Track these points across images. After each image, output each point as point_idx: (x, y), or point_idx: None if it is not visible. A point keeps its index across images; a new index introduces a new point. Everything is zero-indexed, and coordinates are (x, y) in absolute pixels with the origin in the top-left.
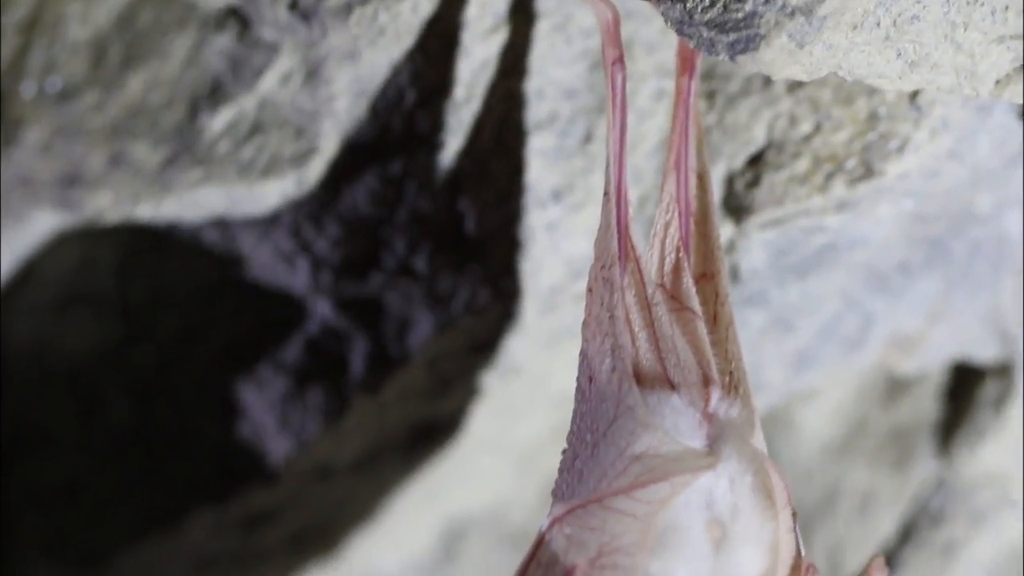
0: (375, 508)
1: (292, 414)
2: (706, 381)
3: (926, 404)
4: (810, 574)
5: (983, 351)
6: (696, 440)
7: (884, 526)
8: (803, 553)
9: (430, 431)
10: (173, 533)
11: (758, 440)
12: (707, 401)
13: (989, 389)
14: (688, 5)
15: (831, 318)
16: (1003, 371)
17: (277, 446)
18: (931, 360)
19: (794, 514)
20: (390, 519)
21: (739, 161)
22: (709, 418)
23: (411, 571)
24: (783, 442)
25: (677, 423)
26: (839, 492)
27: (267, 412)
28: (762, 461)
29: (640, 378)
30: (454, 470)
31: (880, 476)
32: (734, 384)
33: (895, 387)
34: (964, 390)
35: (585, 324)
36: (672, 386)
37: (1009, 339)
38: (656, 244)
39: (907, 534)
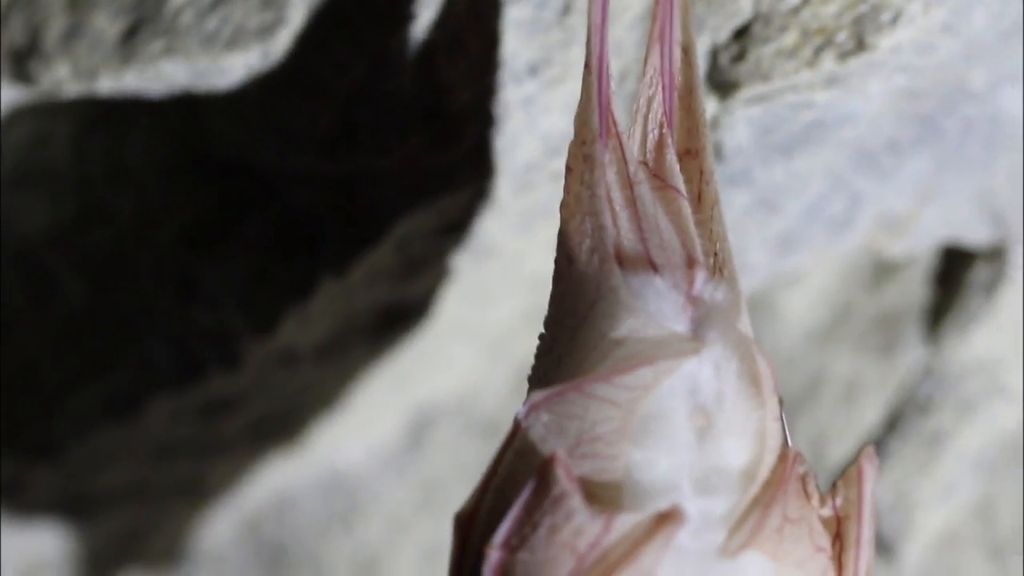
0: (340, 395)
1: (255, 297)
2: (690, 263)
3: (914, 288)
4: (797, 463)
5: (974, 233)
6: (680, 324)
7: (869, 415)
8: (789, 442)
9: (398, 315)
10: (130, 421)
11: (744, 324)
12: (691, 283)
13: (980, 273)
14: None
15: (817, 198)
16: (995, 254)
17: (239, 330)
18: (920, 243)
19: (781, 402)
20: (356, 407)
21: (724, 34)
22: (694, 301)
23: (377, 460)
24: (765, 328)
25: (660, 306)
26: (823, 379)
27: (229, 295)
28: (749, 346)
29: (621, 260)
30: (423, 356)
31: (866, 363)
32: (719, 266)
33: (882, 271)
34: (954, 274)
35: (564, 203)
36: (655, 268)
37: (1001, 221)
38: (639, 120)
39: (893, 423)
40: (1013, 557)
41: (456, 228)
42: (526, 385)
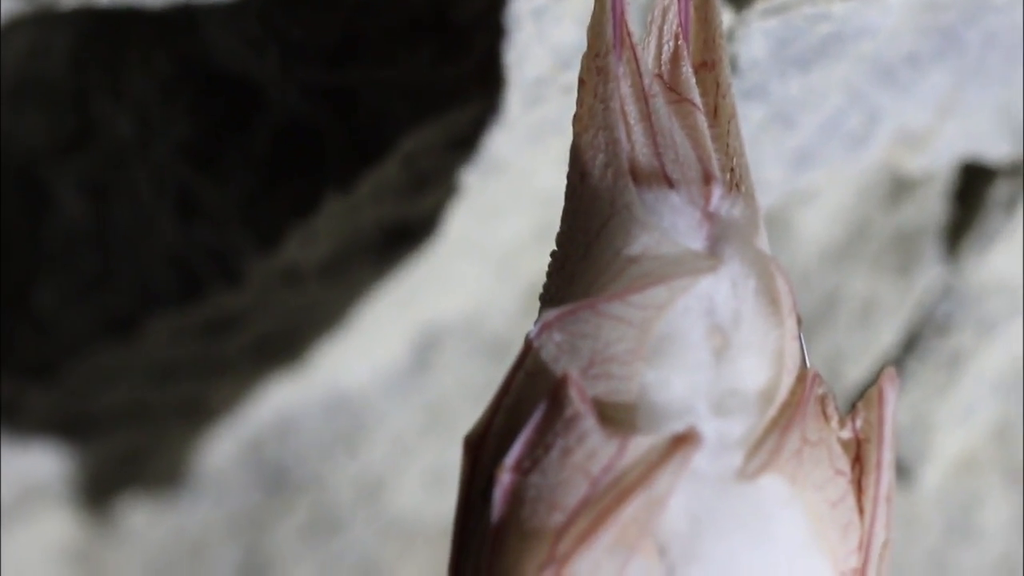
0: (345, 315)
1: (257, 213)
2: (707, 178)
3: (933, 206)
4: (816, 384)
5: (995, 149)
6: (696, 241)
7: (886, 335)
8: (808, 362)
9: (405, 232)
10: (129, 341)
11: (762, 242)
12: (708, 199)
13: (1000, 189)
14: None
15: (834, 113)
16: (1016, 171)
17: (241, 248)
18: (939, 159)
19: (799, 321)
20: (361, 326)
21: None
22: (710, 217)
23: (382, 382)
24: (780, 246)
25: (676, 223)
26: (838, 299)
27: (230, 211)
28: (767, 264)
29: (636, 175)
30: (429, 274)
31: (882, 282)
32: (736, 181)
33: (900, 187)
34: (974, 191)
35: (576, 117)
36: (670, 183)
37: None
38: (653, 31)
39: (911, 344)
40: None
41: (464, 143)
42: (535, 304)
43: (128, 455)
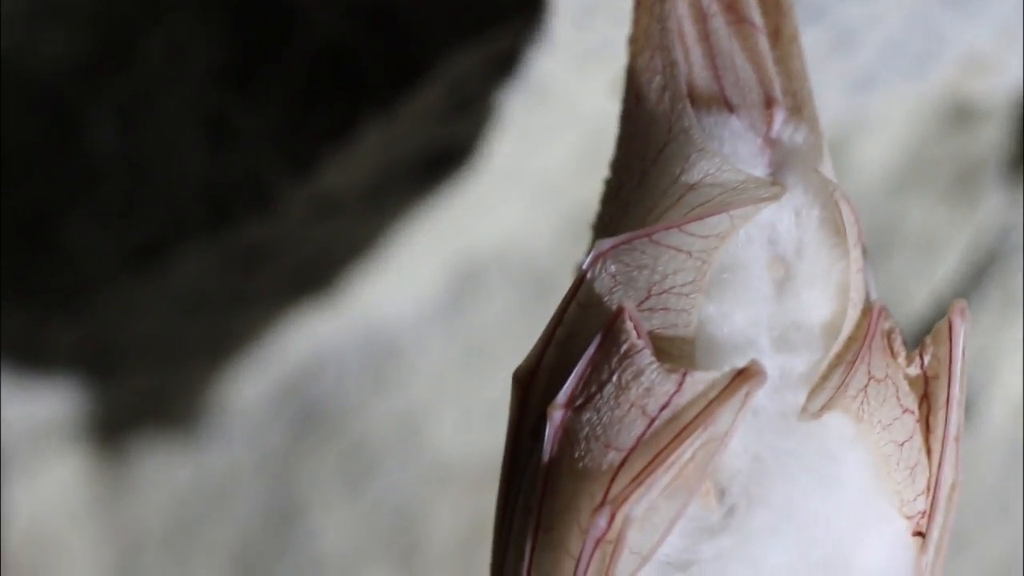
0: (381, 245)
1: (291, 139)
2: (768, 102)
3: (996, 136)
4: (882, 318)
5: None
6: (758, 168)
7: (947, 268)
8: (874, 295)
9: (444, 159)
10: (157, 272)
11: (826, 169)
12: (769, 124)
13: None
14: None
15: (896, 35)
16: None
17: (275, 175)
18: (1004, 86)
19: (864, 252)
20: (398, 257)
21: None
22: (772, 143)
23: (419, 315)
24: (838, 175)
25: (736, 148)
26: (898, 230)
27: (263, 137)
28: (832, 192)
29: (694, 98)
30: (469, 203)
31: (943, 214)
32: (799, 106)
33: (963, 116)
34: None
35: (632, 38)
36: (730, 107)
37: None
38: None
39: (973, 278)
40: None
41: (507, 67)
42: (580, 235)
43: (152, 392)
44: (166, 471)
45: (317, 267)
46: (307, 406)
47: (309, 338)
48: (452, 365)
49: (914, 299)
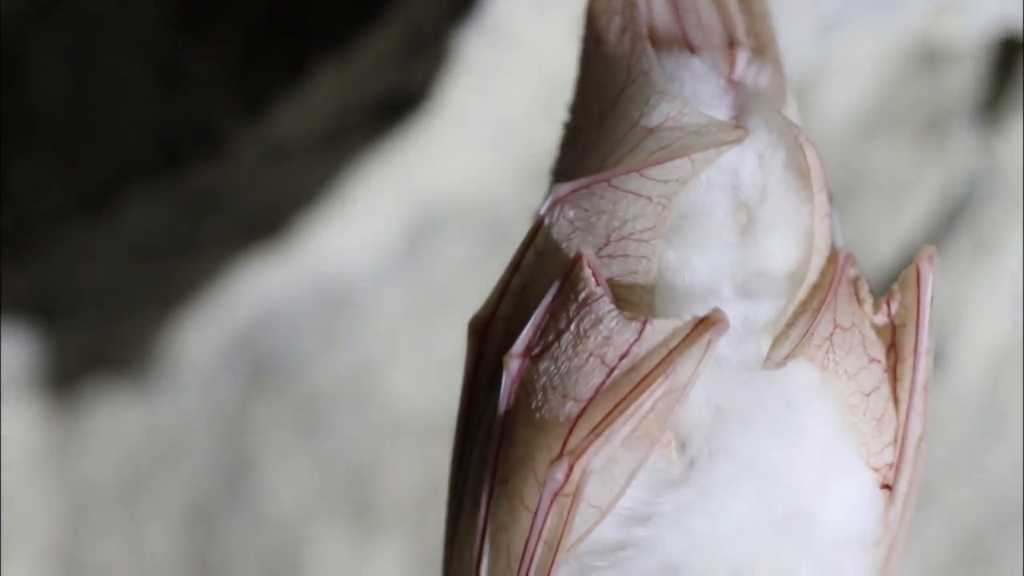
0: (335, 192)
1: (244, 81)
2: (731, 43)
3: (966, 80)
4: (848, 265)
5: None
6: (720, 110)
7: (916, 215)
8: (840, 242)
9: (400, 103)
10: (105, 217)
11: (791, 112)
12: (732, 65)
13: None
14: None
15: None
16: None
17: (226, 118)
18: (974, 27)
19: (830, 198)
20: (352, 204)
21: None
22: (735, 85)
23: (374, 264)
24: (804, 119)
25: (698, 90)
26: (865, 176)
27: (215, 79)
28: (796, 135)
29: (655, 39)
30: (425, 148)
31: (912, 159)
32: (762, 47)
33: (932, 60)
34: (1009, 64)
35: None
36: (692, 48)
37: None
38: None
39: (940, 224)
40: None
41: (465, 8)
42: (539, 181)
43: (102, 342)
44: (117, 423)
45: (270, 214)
46: (260, 357)
47: (262, 287)
48: (408, 315)
49: (881, 246)
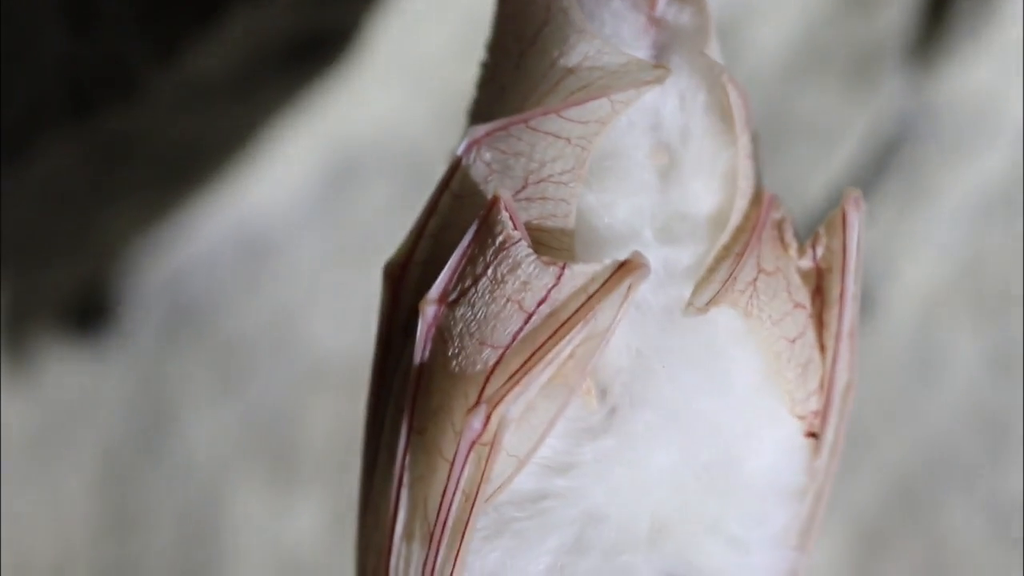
0: (253, 135)
1: (157, 21)
2: None
3: (896, 18)
4: (773, 208)
5: None
6: (640, 50)
7: (843, 157)
8: (765, 185)
9: (317, 44)
10: (17, 164)
11: (714, 52)
12: (653, 4)
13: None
14: None
15: None
16: None
17: (139, 60)
18: None
19: (754, 138)
20: (271, 148)
21: None
22: (656, 24)
23: (292, 207)
24: (728, 60)
25: (618, 29)
26: (792, 118)
27: (127, 18)
28: (719, 75)
29: None
30: (344, 90)
31: (840, 100)
32: None
33: None
34: (940, 2)
35: None
36: None
37: None
38: None
39: (870, 166)
40: (1000, 314)
41: None
42: (458, 122)
43: (15, 292)
44: (32, 372)
45: (186, 159)
46: (177, 305)
47: (180, 233)
48: (328, 261)
49: (809, 190)
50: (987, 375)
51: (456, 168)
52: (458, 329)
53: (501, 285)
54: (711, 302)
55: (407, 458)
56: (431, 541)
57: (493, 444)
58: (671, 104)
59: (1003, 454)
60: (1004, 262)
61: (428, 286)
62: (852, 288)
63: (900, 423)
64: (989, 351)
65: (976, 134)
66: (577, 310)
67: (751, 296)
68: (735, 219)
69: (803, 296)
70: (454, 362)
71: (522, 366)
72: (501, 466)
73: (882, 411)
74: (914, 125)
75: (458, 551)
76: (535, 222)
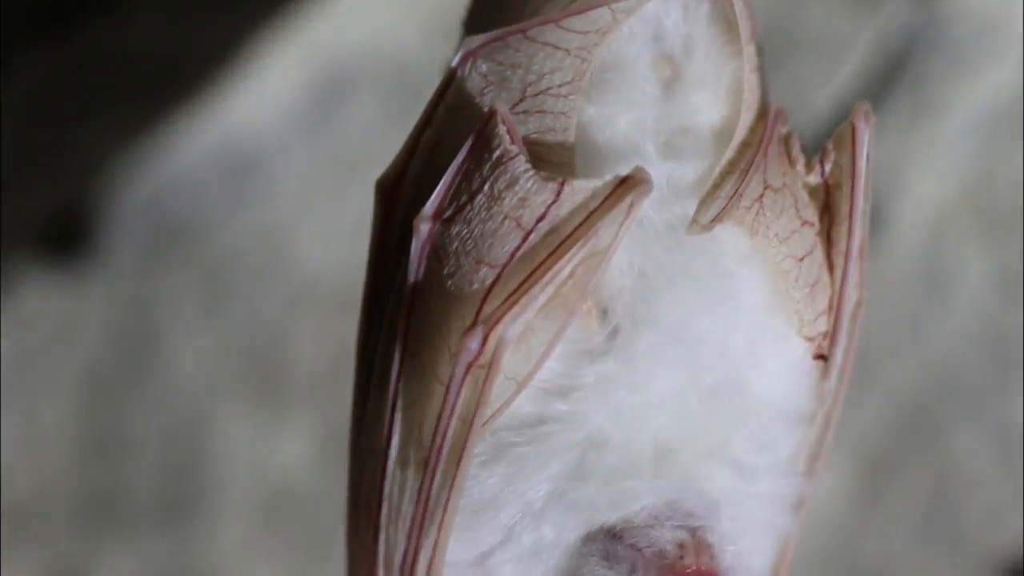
0: (239, 49)
1: None
2: None
3: None
4: (779, 121)
5: None
6: None
7: (850, 70)
8: (771, 98)
9: None
10: None
11: None
12: None
13: None
14: None
15: None
16: None
17: None
18: None
19: (760, 50)
20: (257, 62)
21: None
22: None
23: (280, 123)
24: None
25: None
26: (797, 30)
27: None
28: None
29: None
30: (332, 2)
31: (847, 12)
32: None
33: None
34: None
35: None
36: None
37: None
38: None
39: (877, 80)
40: (1009, 231)
41: None
42: (452, 35)
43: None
44: (12, 294)
45: (168, 73)
46: (162, 224)
47: (164, 150)
48: (317, 178)
49: (815, 103)
50: (995, 296)
51: (451, 80)
52: (454, 247)
53: (498, 201)
54: (716, 219)
55: (401, 381)
56: (426, 467)
57: (490, 366)
58: (674, 14)
59: (1011, 377)
60: (1012, 178)
61: (422, 202)
62: (862, 204)
63: (907, 346)
64: (997, 271)
65: (985, 47)
66: (577, 227)
67: (757, 213)
68: (740, 133)
69: (811, 213)
70: (449, 281)
71: (520, 285)
72: (499, 389)
73: (890, 333)
74: (922, 38)
75: (454, 477)
76: (533, 136)
